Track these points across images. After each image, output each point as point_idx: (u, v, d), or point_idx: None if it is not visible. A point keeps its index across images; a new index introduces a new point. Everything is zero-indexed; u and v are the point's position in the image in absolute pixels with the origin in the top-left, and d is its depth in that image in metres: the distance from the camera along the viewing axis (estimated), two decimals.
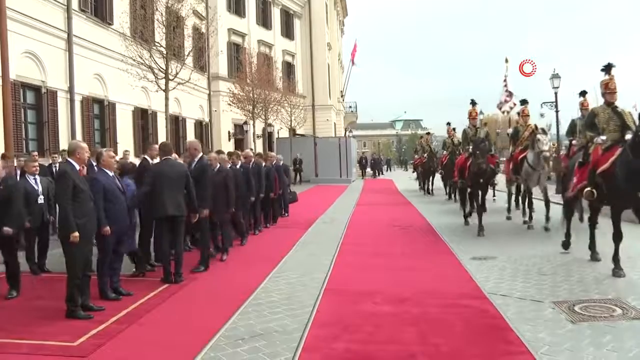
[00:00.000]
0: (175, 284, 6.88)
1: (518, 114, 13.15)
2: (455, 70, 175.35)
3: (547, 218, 10.39)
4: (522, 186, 11.79)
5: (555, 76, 20.17)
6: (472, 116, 12.11)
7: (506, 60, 17.54)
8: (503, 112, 16.23)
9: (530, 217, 10.92)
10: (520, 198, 12.34)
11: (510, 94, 16.38)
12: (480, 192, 10.82)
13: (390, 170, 57.25)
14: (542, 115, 16.54)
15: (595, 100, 8.42)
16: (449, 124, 18.16)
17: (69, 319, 5.44)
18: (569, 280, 6.62)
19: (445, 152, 18.31)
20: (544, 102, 21.40)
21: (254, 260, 8.43)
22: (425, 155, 21.56)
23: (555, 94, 20.59)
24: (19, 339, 4.87)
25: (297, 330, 5.00)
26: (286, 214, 14.07)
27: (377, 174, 42.59)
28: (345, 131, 43.23)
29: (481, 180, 10.51)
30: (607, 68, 7.66)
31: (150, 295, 6.33)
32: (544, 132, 10.29)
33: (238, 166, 10.25)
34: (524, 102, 12.26)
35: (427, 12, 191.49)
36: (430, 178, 21.49)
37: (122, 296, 6.23)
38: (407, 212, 15.33)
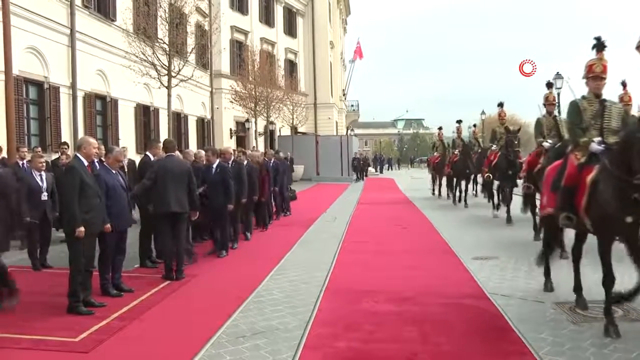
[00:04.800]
0: (176, 280, 6.88)
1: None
2: (458, 70, 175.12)
3: None
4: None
5: (558, 77, 20.13)
6: (592, 71, 5.47)
7: None
8: None
9: None
10: None
11: None
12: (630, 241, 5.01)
13: (392, 169, 57.59)
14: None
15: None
16: (500, 104, 13.82)
17: (70, 314, 5.45)
18: (570, 281, 6.59)
19: (495, 146, 13.27)
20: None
21: (256, 258, 8.44)
22: (457, 151, 16.12)
23: (558, 94, 20.55)
24: (20, 334, 4.86)
25: (298, 328, 5.01)
26: (288, 213, 14.04)
27: (359, 176, 32.39)
28: (347, 130, 43.32)
29: (629, 220, 4.65)
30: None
31: (152, 292, 6.35)
32: None
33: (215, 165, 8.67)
34: None
35: (429, 11, 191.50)
36: (464, 182, 15.66)
37: (124, 292, 6.24)
38: (408, 210, 15.33)
